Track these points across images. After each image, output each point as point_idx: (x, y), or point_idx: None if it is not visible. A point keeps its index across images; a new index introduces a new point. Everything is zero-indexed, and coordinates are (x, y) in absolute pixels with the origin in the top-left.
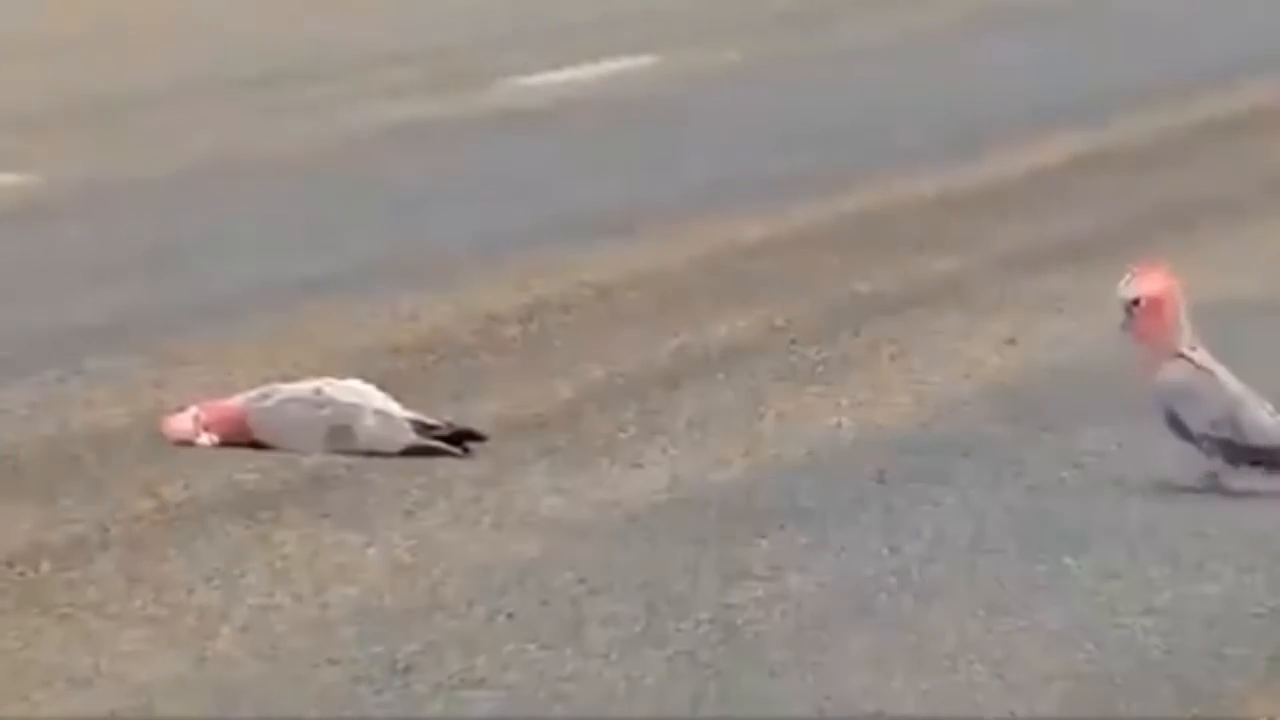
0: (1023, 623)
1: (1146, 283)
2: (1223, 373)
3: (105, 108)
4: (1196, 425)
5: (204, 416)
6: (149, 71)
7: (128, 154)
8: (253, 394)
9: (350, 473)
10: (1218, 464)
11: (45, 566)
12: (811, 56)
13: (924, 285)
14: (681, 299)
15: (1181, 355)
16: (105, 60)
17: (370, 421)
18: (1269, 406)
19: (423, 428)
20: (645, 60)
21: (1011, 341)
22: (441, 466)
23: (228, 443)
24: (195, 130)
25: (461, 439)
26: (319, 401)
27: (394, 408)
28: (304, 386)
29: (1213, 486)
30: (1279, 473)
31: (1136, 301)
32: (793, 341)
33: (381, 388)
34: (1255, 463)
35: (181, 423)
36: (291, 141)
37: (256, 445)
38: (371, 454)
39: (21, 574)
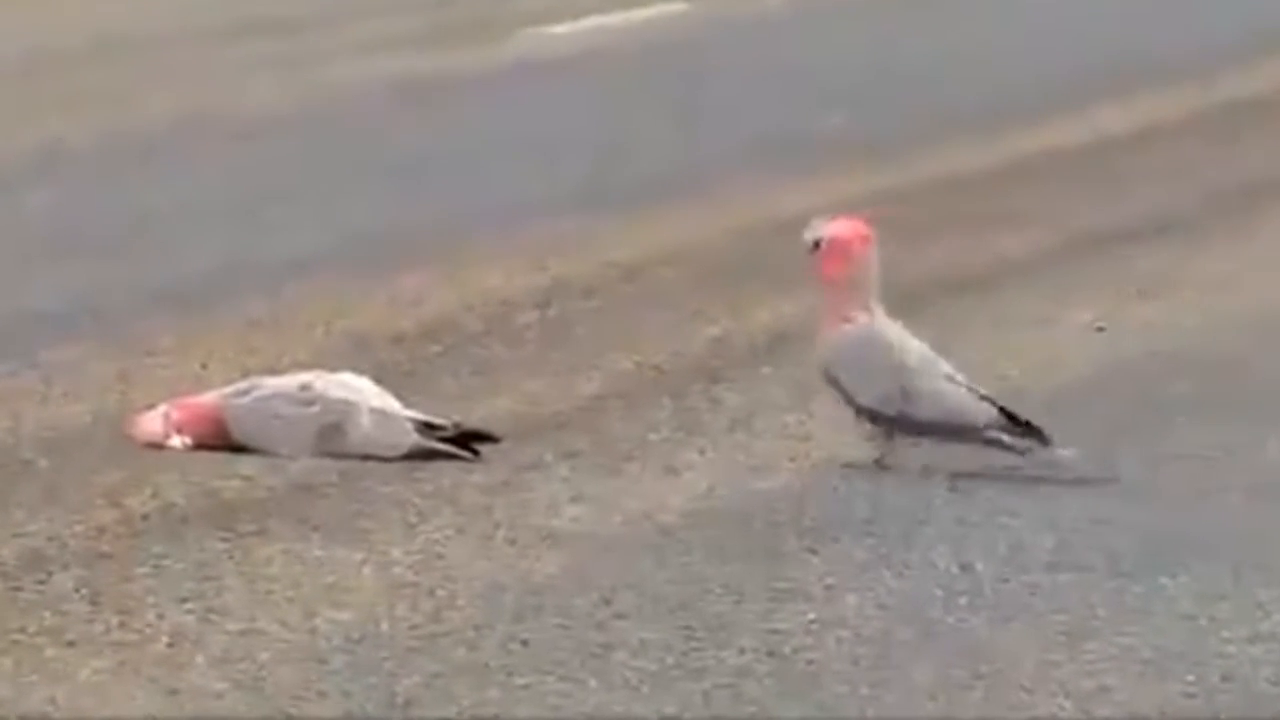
0: (1112, 650)
1: (835, 226)
2: (903, 339)
3: (62, 62)
4: (863, 397)
5: (175, 415)
6: (110, 21)
7: (87, 114)
8: (230, 390)
9: (343, 479)
10: (880, 442)
11: None
12: (857, 4)
13: (993, 264)
14: (720, 279)
15: (858, 316)
16: (63, 8)
17: (366, 421)
18: (960, 376)
19: (426, 428)
20: (677, 6)
21: (1098, 328)
22: (447, 472)
23: (202, 445)
24: (162, 87)
25: (470, 440)
26: (307, 398)
27: (393, 405)
28: (290, 381)
29: (882, 465)
30: (953, 443)
31: (818, 244)
32: None
33: (379, 382)
34: (923, 433)
35: (150, 422)
36: (273, 100)
37: (235, 448)
38: (367, 458)
39: None
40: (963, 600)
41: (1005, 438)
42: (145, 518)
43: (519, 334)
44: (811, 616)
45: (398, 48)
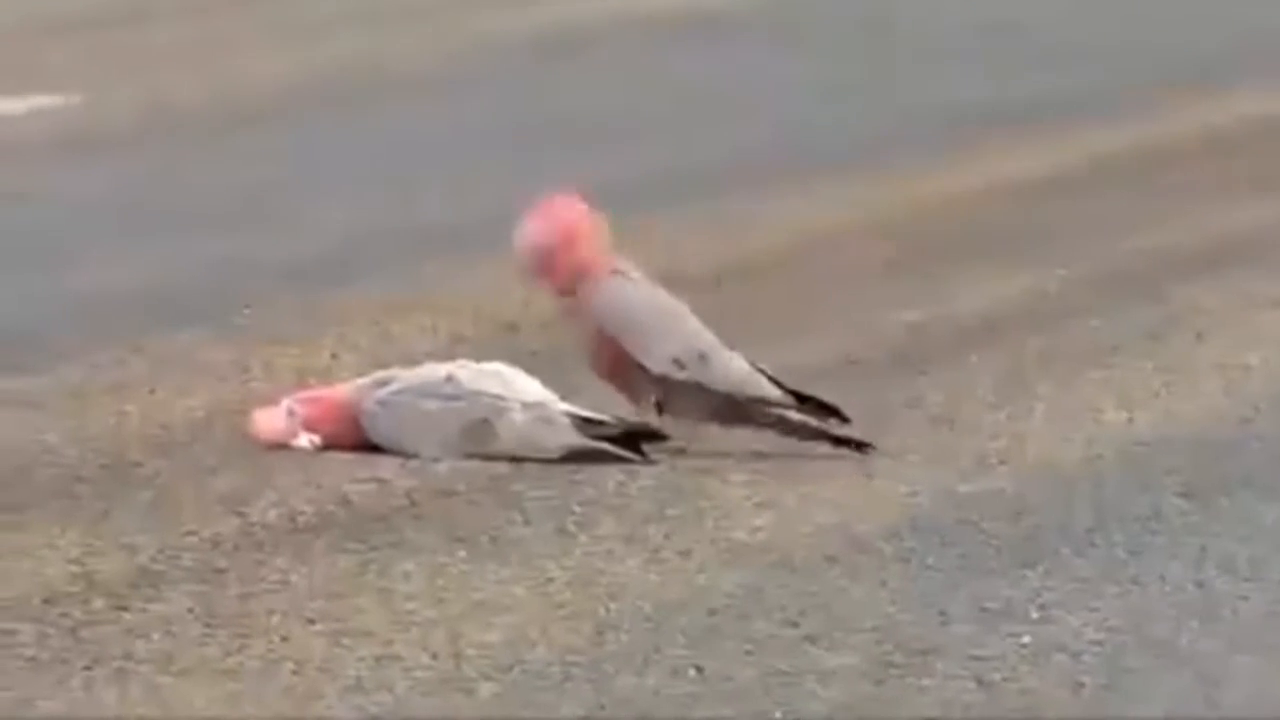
0: None
1: (541, 223)
2: (670, 298)
3: (168, 11)
4: (653, 362)
5: (301, 411)
6: None
7: (195, 68)
8: (365, 382)
9: (492, 484)
10: (668, 421)
11: (97, 604)
12: None
13: (1232, 241)
14: (920, 256)
15: (619, 271)
16: None
17: (518, 417)
18: (736, 353)
19: (587, 425)
20: None
21: None
22: (611, 475)
23: (332, 445)
24: (283, 42)
25: (638, 440)
26: (452, 392)
27: (550, 399)
28: (432, 372)
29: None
30: (737, 426)
31: (537, 248)
32: (1067, 312)
33: (532, 373)
34: (710, 409)
35: (273, 419)
36: (414, 52)
37: (370, 448)
38: (520, 459)
39: (65, 615)
40: (1195, 624)
41: (800, 417)
42: (267, 527)
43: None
44: (1026, 640)
45: None
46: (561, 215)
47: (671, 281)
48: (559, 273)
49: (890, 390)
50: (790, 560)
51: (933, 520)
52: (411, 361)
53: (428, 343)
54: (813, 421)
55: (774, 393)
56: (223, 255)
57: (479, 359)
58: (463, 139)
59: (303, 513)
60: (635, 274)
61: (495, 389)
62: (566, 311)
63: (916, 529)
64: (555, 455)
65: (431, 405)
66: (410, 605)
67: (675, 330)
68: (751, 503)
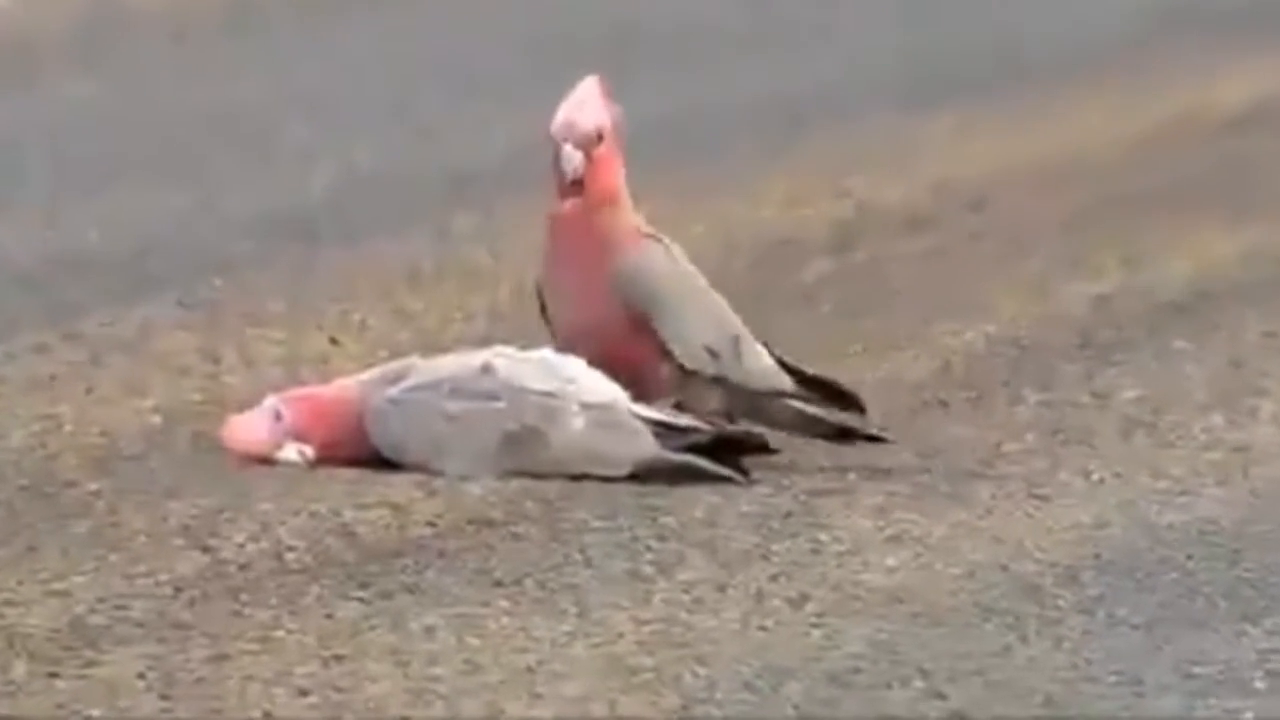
0: None
1: (603, 105)
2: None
3: None
4: (684, 350)
5: (290, 414)
6: None
7: None
8: (373, 375)
9: (543, 510)
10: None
11: (18, 671)
12: None
13: None
14: (1106, 210)
15: (653, 236)
16: None
17: (577, 422)
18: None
19: (669, 432)
20: None
21: None
22: (701, 499)
23: (331, 458)
24: None
25: (736, 452)
26: (489, 388)
27: (618, 398)
28: (463, 363)
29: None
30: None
31: (601, 135)
32: None
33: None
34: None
35: (252, 425)
36: None
37: (380, 462)
38: (579, 477)
39: None
40: None
41: (818, 410)
42: (245, 568)
43: (802, 291)
44: (1248, 717)
45: None
46: (606, 109)
47: (786, 240)
48: (596, 195)
49: (1069, 385)
50: (935, 611)
51: (1124, 559)
52: (435, 348)
53: (456, 323)
54: (832, 416)
55: (790, 384)
56: (184, 205)
57: (524, 345)
58: (503, 52)
59: (292, 548)
60: (665, 239)
61: (546, 385)
62: (557, 261)
63: (1102, 570)
64: (625, 472)
65: (461, 406)
66: (434, 671)
67: (710, 313)
68: (884, 535)
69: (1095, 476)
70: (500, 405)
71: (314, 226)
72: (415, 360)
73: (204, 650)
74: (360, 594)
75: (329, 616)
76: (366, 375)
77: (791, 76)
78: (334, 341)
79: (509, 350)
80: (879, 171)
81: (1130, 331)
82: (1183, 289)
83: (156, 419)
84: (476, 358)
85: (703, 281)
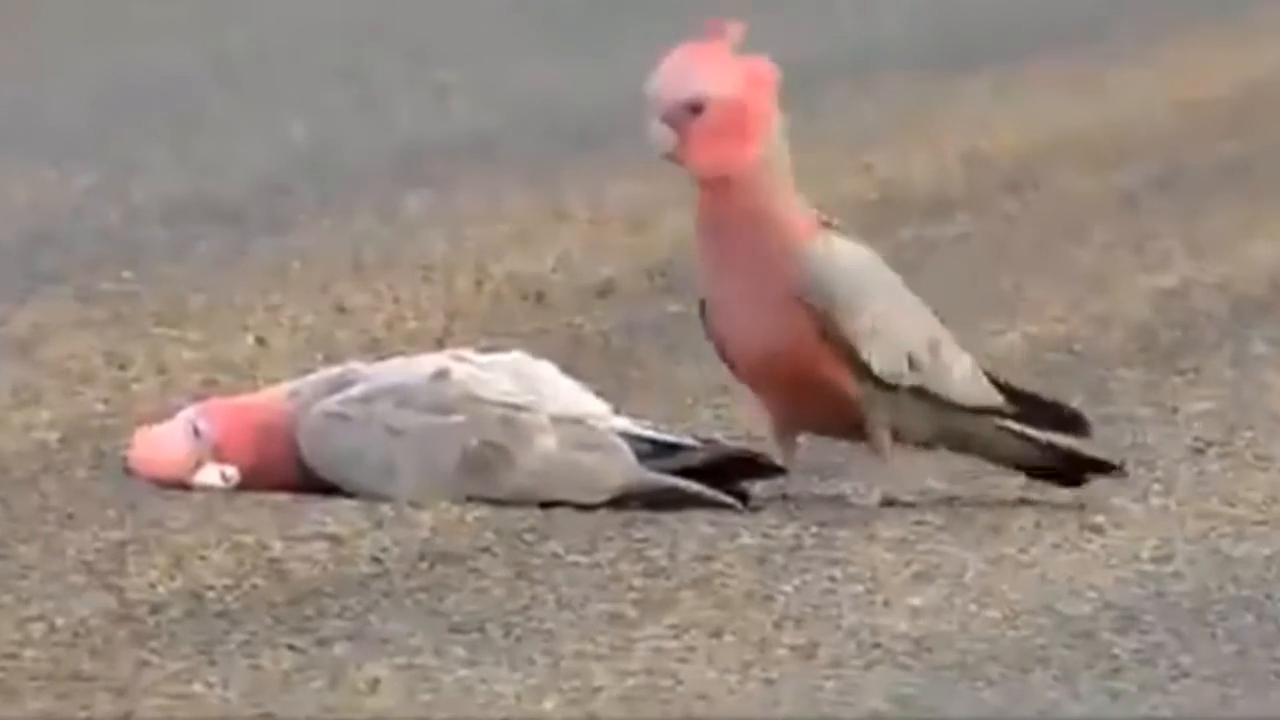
0: None
1: (718, 70)
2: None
3: None
4: (882, 360)
5: (209, 429)
6: None
7: None
8: (307, 384)
9: (505, 545)
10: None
11: None
12: None
13: None
14: (1178, 183)
15: (827, 224)
16: None
17: (549, 440)
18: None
19: (658, 450)
20: None
21: None
22: (695, 529)
23: (258, 482)
24: None
25: (735, 473)
26: (443, 399)
27: (598, 410)
28: (414, 368)
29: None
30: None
31: (698, 106)
32: None
33: (577, 369)
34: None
35: (167, 443)
36: None
37: (315, 487)
38: (549, 505)
39: None
40: None
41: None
42: (156, 610)
43: None
44: None
45: None
46: (742, 65)
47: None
48: (715, 162)
49: (1127, 397)
50: (969, 660)
51: (1194, 599)
52: (380, 351)
53: (406, 321)
54: (1061, 442)
55: (999, 399)
56: (85, 185)
57: (486, 347)
58: (461, 9)
59: (211, 587)
60: (837, 226)
61: (511, 395)
62: (720, 241)
63: (1166, 613)
64: (606, 498)
65: (413, 420)
66: None
67: (910, 312)
68: (910, 571)
69: (1158, 503)
70: (458, 419)
71: (239, 210)
72: (357, 365)
73: (108, 706)
74: (292, 641)
75: (255, 667)
76: (300, 383)
77: (804, 37)
78: (261, 343)
79: (468, 354)
80: (903, 145)
81: (1200, 333)
82: (1261, 281)
83: (52, 435)
84: (429, 362)
85: (893, 275)
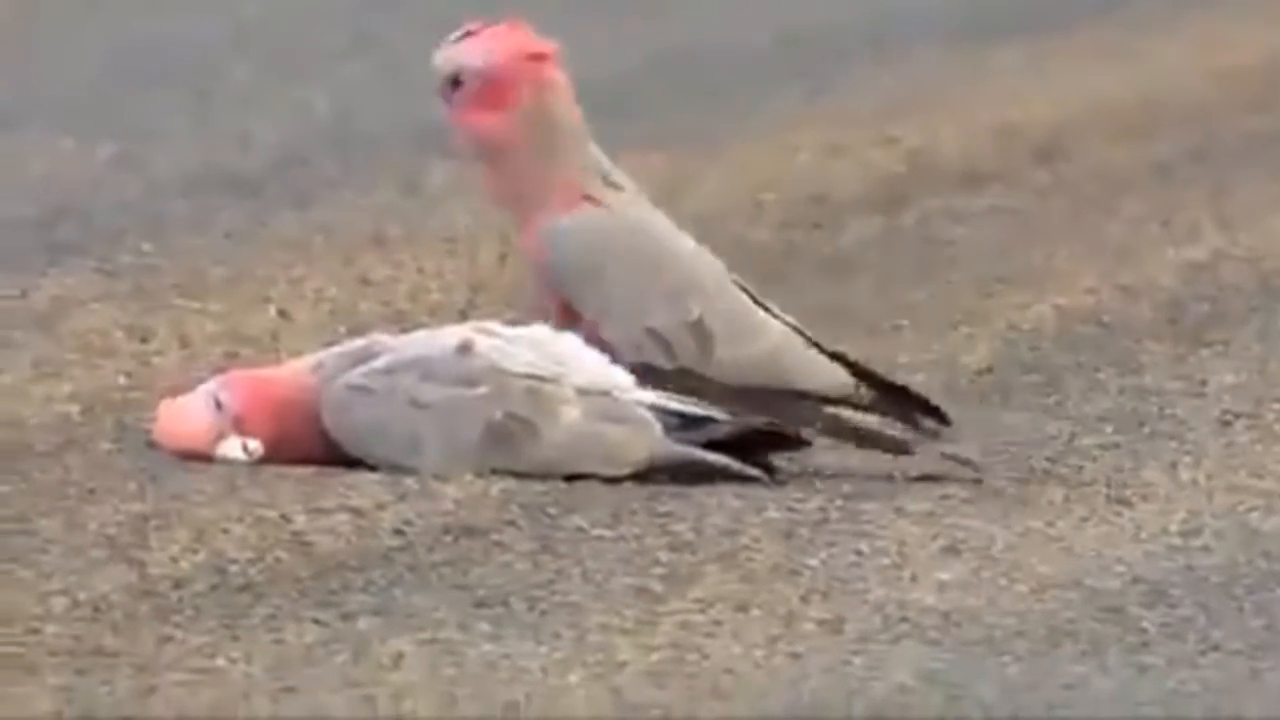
0: None
1: (479, 45)
2: (673, 232)
3: None
4: (621, 334)
5: (232, 401)
6: None
7: None
8: (331, 355)
9: (529, 518)
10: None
11: None
12: None
13: None
14: (1211, 163)
15: (589, 197)
16: None
17: (573, 412)
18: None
19: (684, 422)
20: None
21: None
22: (721, 503)
23: (281, 454)
24: None
25: (765, 448)
26: (468, 371)
27: (622, 382)
28: (437, 341)
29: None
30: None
31: (457, 80)
32: None
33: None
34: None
35: (188, 414)
36: None
37: (338, 460)
38: (575, 477)
39: None
40: None
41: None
42: (179, 586)
43: (839, 256)
44: None
45: None
46: (522, 42)
47: (817, 201)
48: (485, 131)
49: (1156, 369)
50: (997, 635)
51: (1222, 574)
52: (404, 324)
53: (430, 293)
54: (886, 427)
55: (831, 381)
56: (106, 157)
57: (511, 320)
58: None
59: (234, 561)
60: (623, 188)
61: (536, 367)
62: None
63: (1195, 588)
64: (631, 470)
65: (437, 392)
66: (403, 707)
67: (664, 284)
68: (937, 545)
69: (1186, 476)
70: (482, 391)
71: (260, 182)
72: (380, 337)
73: (130, 681)
74: (316, 615)
75: (279, 642)
76: (323, 356)
77: (833, 7)
78: (284, 315)
79: (492, 326)
80: (932, 116)
81: (1229, 305)
82: None
83: (74, 408)
84: (453, 335)
85: (683, 246)
